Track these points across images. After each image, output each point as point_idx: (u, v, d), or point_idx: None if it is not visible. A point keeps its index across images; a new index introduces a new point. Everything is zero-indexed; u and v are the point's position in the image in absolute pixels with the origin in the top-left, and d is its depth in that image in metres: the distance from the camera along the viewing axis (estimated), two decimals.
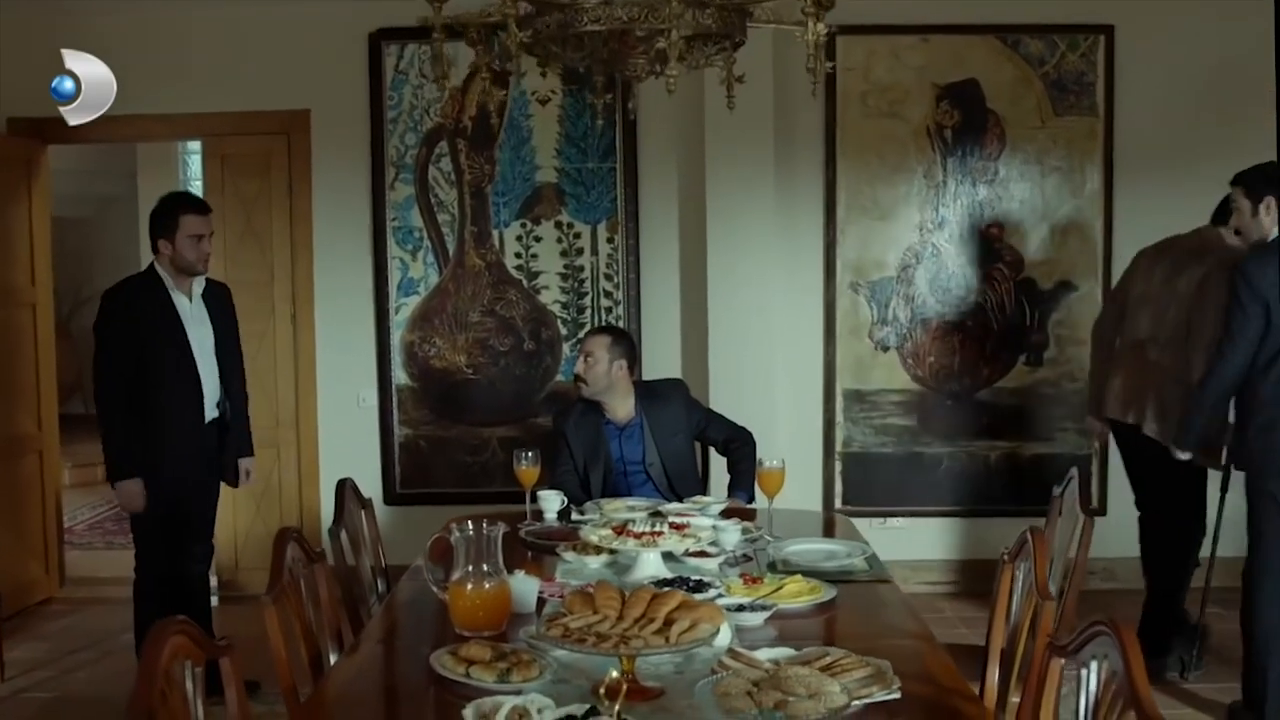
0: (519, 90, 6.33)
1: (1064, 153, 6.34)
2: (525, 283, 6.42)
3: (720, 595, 3.24)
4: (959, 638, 5.46)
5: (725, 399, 5.77)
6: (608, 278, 6.41)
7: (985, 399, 6.45)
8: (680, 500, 4.53)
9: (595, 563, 3.69)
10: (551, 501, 4.39)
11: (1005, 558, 3.35)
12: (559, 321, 6.44)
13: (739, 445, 4.92)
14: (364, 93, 6.32)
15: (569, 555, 3.75)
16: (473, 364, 6.44)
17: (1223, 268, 4.84)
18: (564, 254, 6.42)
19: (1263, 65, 6.22)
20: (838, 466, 6.44)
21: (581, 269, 6.42)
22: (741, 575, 3.44)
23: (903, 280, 6.39)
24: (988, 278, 6.39)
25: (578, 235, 6.41)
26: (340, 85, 6.31)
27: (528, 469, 4.30)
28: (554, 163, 6.38)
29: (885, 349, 6.42)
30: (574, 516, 4.37)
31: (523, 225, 6.40)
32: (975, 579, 6.30)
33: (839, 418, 6.44)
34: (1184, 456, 4.87)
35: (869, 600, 3.41)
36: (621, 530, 3.60)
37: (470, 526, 3.04)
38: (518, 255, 6.41)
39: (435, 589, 3.14)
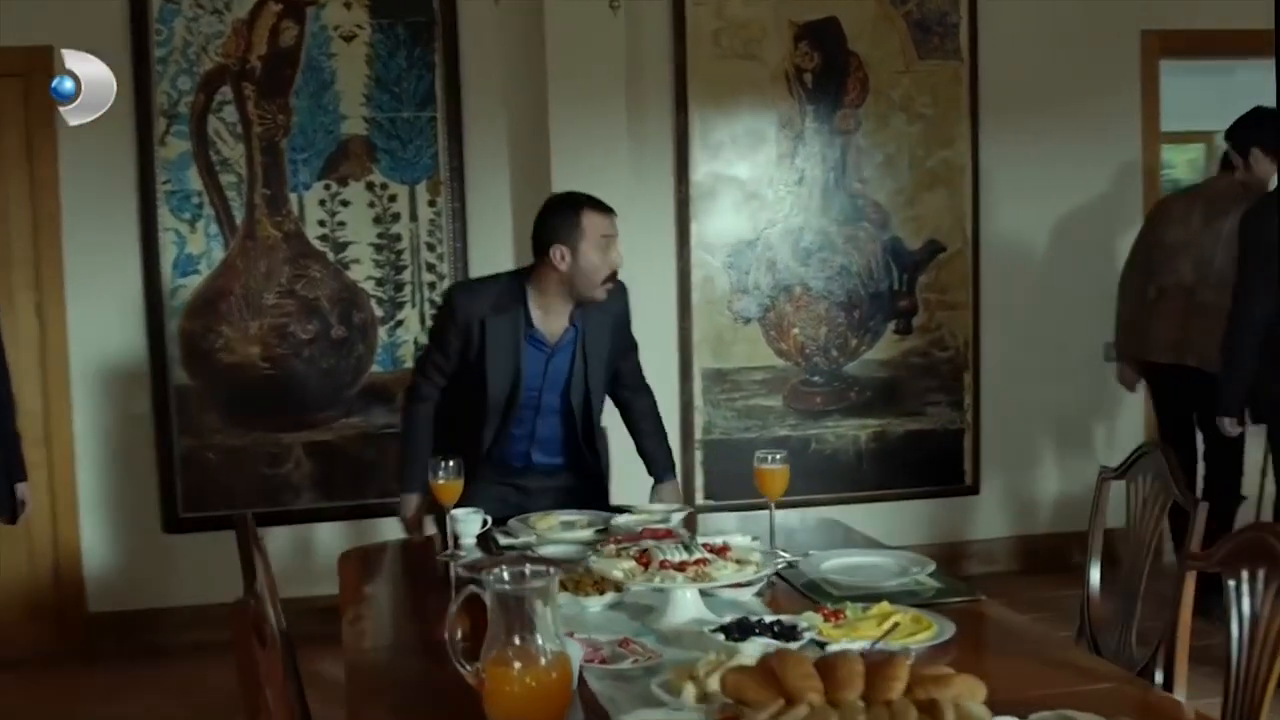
0: (318, 24, 5.25)
1: (929, 100, 5.78)
2: (331, 256, 5.35)
3: (814, 640, 2.43)
4: None
5: None
6: (430, 248, 5.42)
7: (854, 372, 5.82)
8: (597, 455, 3.79)
9: (597, 605, 2.78)
10: (471, 524, 3.43)
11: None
12: (373, 301, 5.39)
13: (648, 402, 3.98)
14: (123, 24, 5.07)
15: (561, 597, 2.82)
16: (269, 357, 5.31)
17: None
18: (377, 220, 5.37)
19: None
20: (698, 456, 5.68)
21: (398, 238, 5.40)
22: (820, 610, 2.61)
23: (763, 244, 5.68)
24: (853, 239, 5.77)
25: (393, 198, 5.38)
26: (91, 14, 5.04)
27: (448, 482, 3.31)
28: (362, 112, 5.32)
29: (746, 321, 5.70)
30: (502, 540, 3.43)
31: (326, 187, 5.32)
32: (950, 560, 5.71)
33: (698, 400, 5.67)
34: (1234, 431, 4.73)
35: (996, 633, 2.66)
36: (648, 561, 2.71)
37: (506, 573, 2.09)
38: (321, 223, 5.33)
39: (465, 671, 2.16)
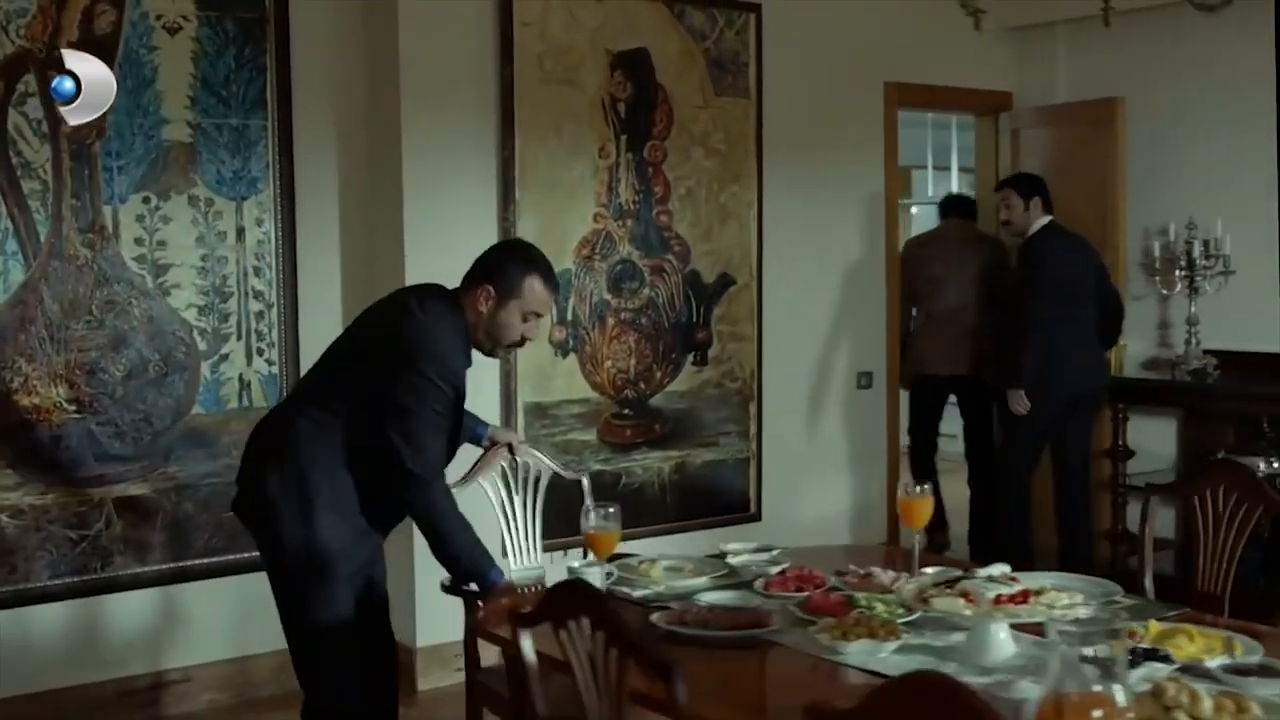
0: (139, 11, 4.53)
1: (723, 136, 5.90)
2: (150, 280, 4.61)
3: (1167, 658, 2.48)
4: None
5: None
6: (258, 273, 4.82)
7: (659, 405, 5.81)
8: None
9: (888, 649, 2.64)
10: (595, 578, 3.11)
11: None
12: (195, 333, 4.71)
13: None
14: None
15: (850, 648, 2.63)
16: (77, 397, 4.48)
17: (1001, 251, 6.59)
18: (201, 240, 4.70)
19: (880, 50, 6.34)
20: None
21: (224, 261, 4.75)
22: (1131, 635, 2.64)
23: (581, 274, 5.54)
24: (658, 270, 5.77)
25: (219, 214, 4.73)
26: None
27: (608, 532, 2.99)
28: (187, 115, 4.65)
29: (565, 354, 5.53)
30: (620, 589, 3.15)
31: (145, 200, 4.58)
32: None
33: (520, 436, 5.42)
34: (1023, 407, 5.86)
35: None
36: (974, 598, 2.61)
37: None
38: (139, 242, 4.59)
39: None
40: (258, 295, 4.81)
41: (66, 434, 4.46)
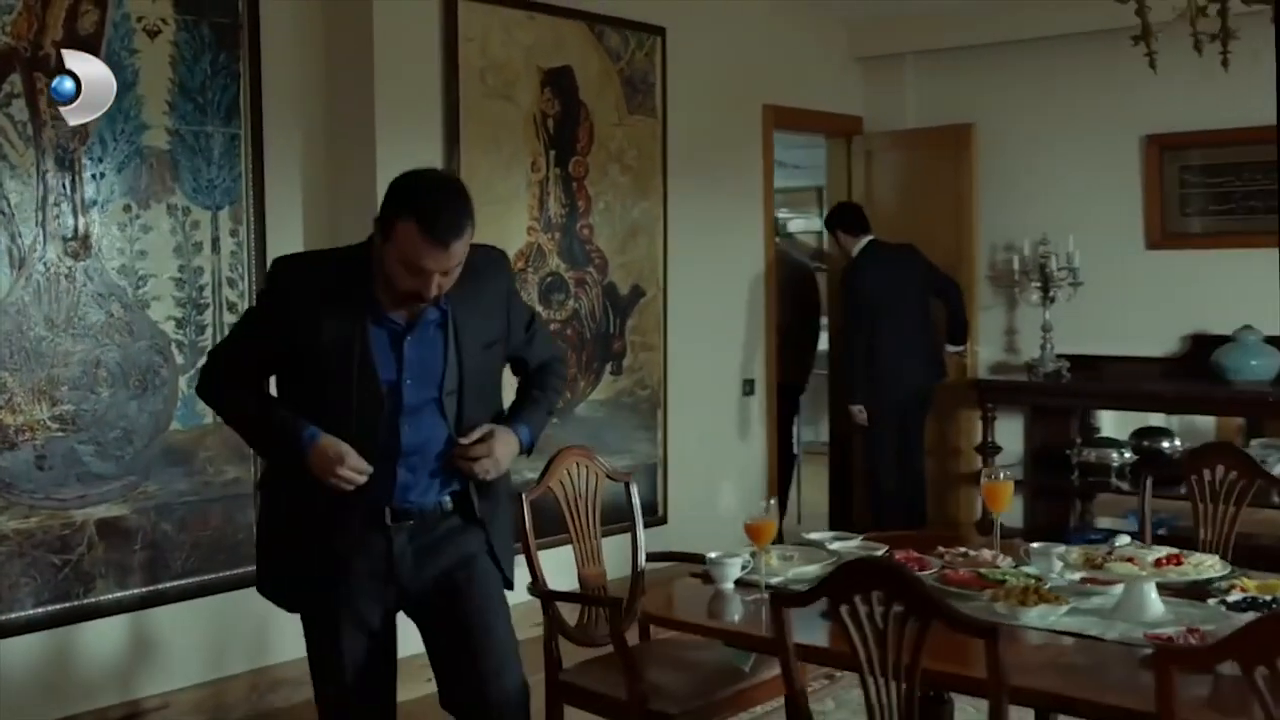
0: (120, 12, 4.36)
1: (635, 153, 6.11)
2: (131, 292, 4.43)
3: None
4: None
5: None
6: (231, 284, 4.70)
7: (583, 414, 5.95)
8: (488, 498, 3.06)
9: (1059, 613, 2.93)
10: (732, 569, 3.26)
11: None
12: (174, 346, 4.54)
13: (554, 363, 3.34)
14: None
15: (1030, 614, 2.91)
16: (59, 415, 4.26)
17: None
18: (179, 251, 4.55)
19: (758, 73, 6.70)
20: None
21: (200, 272, 4.61)
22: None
23: (518, 286, 5.61)
24: (581, 282, 5.91)
25: (195, 224, 4.59)
26: None
27: (766, 522, 3.15)
28: (165, 122, 4.49)
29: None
30: (752, 577, 3.32)
31: (126, 209, 4.40)
32: None
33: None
34: (864, 418, 6.62)
35: None
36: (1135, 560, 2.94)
37: None
38: (121, 251, 4.40)
39: None
40: (231, 307, 4.68)
41: (50, 453, 4.23)
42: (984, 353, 7.11)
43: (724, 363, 6.66)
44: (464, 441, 2.93)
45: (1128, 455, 6.52)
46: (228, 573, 4.65)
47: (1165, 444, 6.56)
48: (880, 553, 3.50)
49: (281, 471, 3.04)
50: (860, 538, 3.72)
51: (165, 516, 4.53)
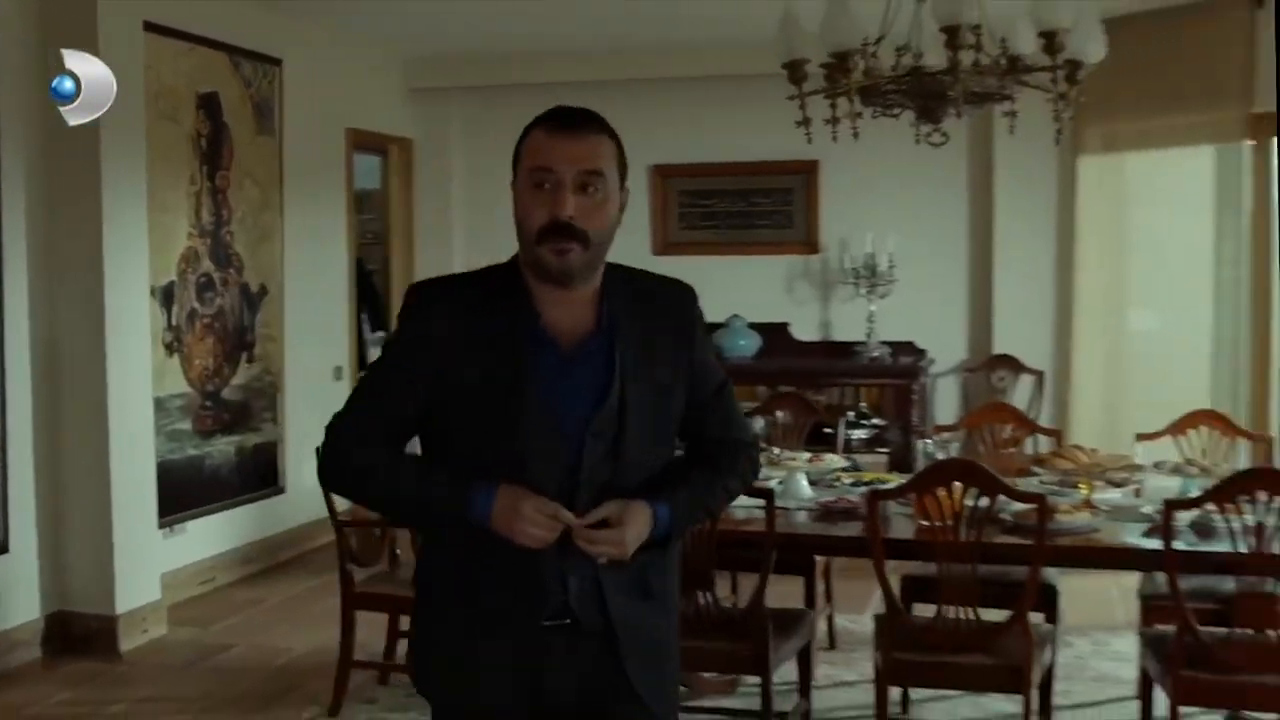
0: None
1: (263, 169, 7.02)
2: None
3: None
4: None
5: None
6: None
7: (228, 397, 6.79)
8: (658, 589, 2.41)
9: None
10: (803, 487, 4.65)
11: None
12: None
13: (736, 445, 2.55)
14: None
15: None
16: None
17: None
18: None
19: (342, 101, 7.82)
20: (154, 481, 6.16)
21: None
22: None
23: (180, 285, 6.39)
24: (225, 282, 6.75)
25: None
26: None
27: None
28: None
29: (172, 353, 6.36)
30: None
31: None
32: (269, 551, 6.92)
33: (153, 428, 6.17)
34: None
35: None
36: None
37: None
38: None
39: None
40: None
41: None
42: None
43: (321, 351, 7.68)
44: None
45: None
46: None
47: None
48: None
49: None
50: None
51: None
